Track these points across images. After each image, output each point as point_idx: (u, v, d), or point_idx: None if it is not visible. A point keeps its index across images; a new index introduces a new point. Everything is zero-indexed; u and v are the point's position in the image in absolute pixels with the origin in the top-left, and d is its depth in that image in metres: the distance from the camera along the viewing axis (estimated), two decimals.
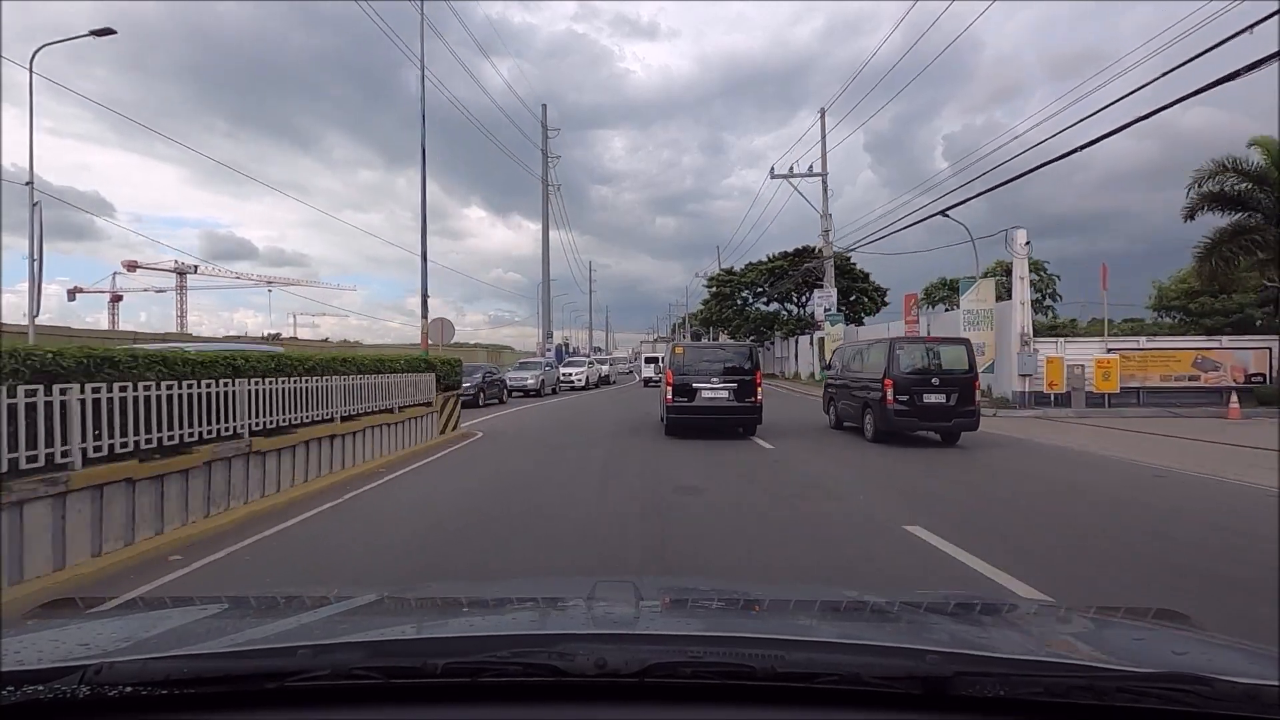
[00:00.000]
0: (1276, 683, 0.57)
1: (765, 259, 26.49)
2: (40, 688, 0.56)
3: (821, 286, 18.64)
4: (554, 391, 16.71)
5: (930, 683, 0.57)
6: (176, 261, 44.14)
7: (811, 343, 19.68)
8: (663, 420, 7.77)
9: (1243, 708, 0.56)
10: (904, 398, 6.75)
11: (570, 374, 19.12)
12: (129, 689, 0.56)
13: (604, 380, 22.20)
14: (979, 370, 7.29)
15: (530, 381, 15.66)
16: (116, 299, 43.72)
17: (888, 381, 6.86)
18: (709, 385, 7.73)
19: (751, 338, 27.58)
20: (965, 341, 7.32)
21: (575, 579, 2.19)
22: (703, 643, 0.66)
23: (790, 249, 25.68)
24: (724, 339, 38.93)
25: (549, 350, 23.42)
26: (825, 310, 18.52)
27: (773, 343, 25.48)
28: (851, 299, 23.82)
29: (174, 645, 0.69)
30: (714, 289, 28.36)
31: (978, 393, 6.91)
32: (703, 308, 31.49)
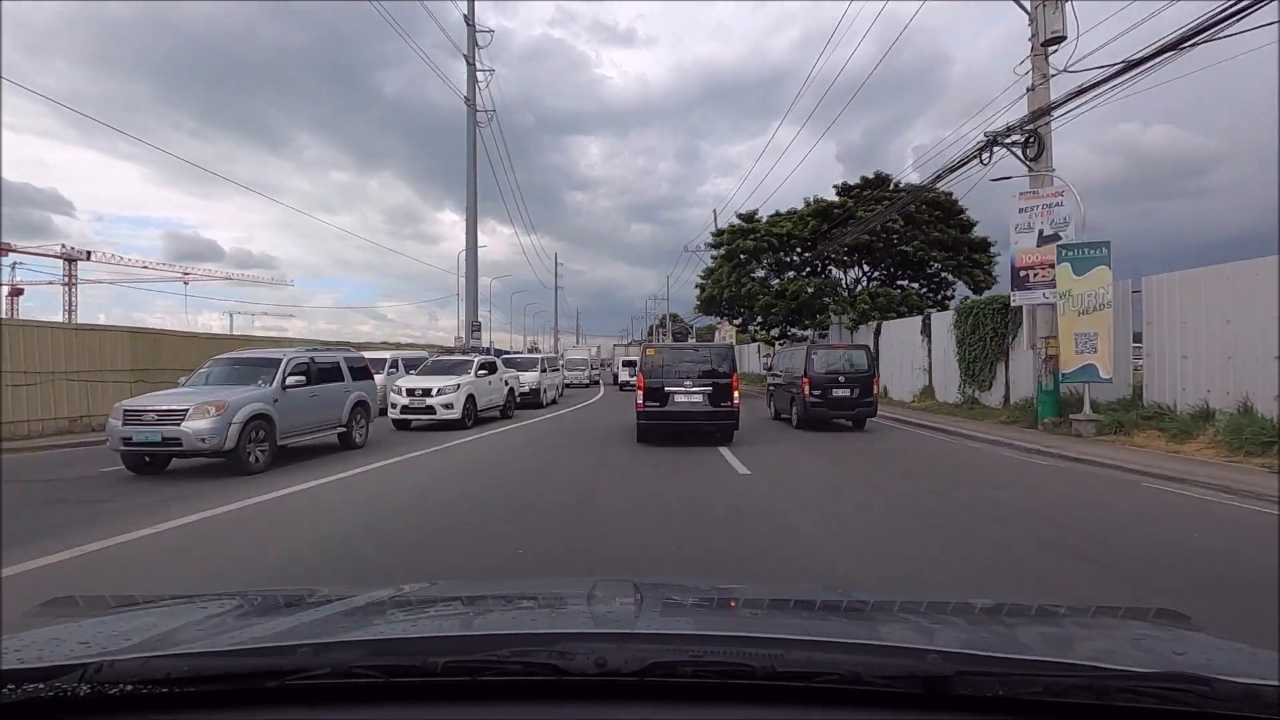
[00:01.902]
0: (1276, 683, 0.86)
1: (807, 202, 25.69)
2: (41, 686, 0.88)
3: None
4: (356, 439, 10.50)
5: (930, 682, 0.90)
6: (64, 245, 56.38)
7: (1013, 320, 13.57)
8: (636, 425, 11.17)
9: (1243, 708, 0.84)
10: (818, 392, 12.84)
11: (426, 393, 13.34)
12: (130, 687, 0.89)
13: (533, 399, 19.24)
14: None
15: (197, 432, 7.74)
16: (17, 292, 54.32)
17: (805, 380, 13.00)
18: (682, 389, 10.88)
19: (776, 331, 27.39)
20: (865, 347, 14.73)
21: (575, 578, 2.96)
22: (702, 642, 1.02)
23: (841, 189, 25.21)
24: (724, 336, 39.89)
25: (475, 347, 22.70)
26: (1052, 236, 11.32)
27: (823, 334, 24.90)
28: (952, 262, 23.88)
29: (174, 643, 1.04)
30: (725, 245, 26.75)
31: (875, 387, 13.46)
32: (703, 284, 29.91)
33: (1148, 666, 0.93)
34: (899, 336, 19.82)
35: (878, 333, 21.17)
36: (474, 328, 23.77)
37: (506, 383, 16.28)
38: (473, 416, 13.78)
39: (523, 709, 0.90)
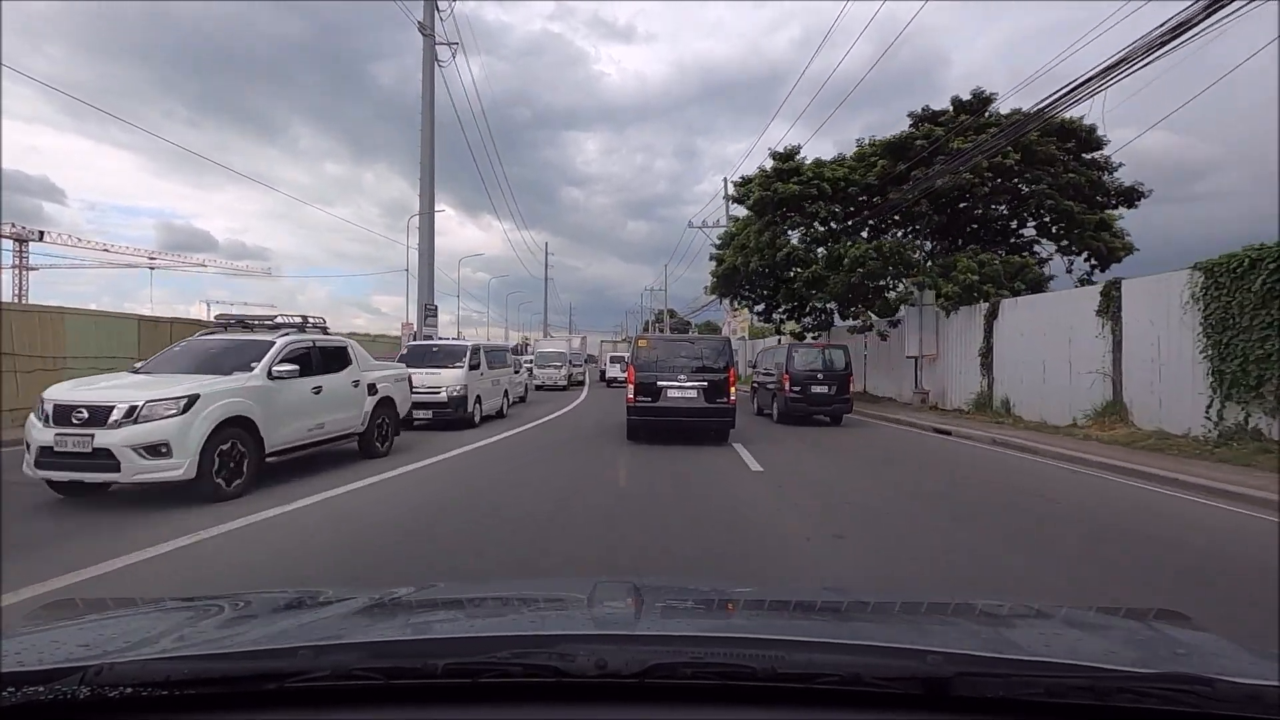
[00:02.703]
0: (1278, 683, 1.32)
1: (862, 144, 26.05)
2: (40, 689, 1.32)
3: None
4: None
5: (931, 683, 1.35)
6: (14, 225, 71.93)
7: None
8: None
9: (1244, 708, 1.23)
10: (798, 389, 19.20)
11: (99, 418, 8.26)
12: (129, 690, 1.33)
13: (456, 414, 17.43)
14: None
15: None
16: None
17: (786, 376, 19.45)
18: (676, 384, 14.06)
19: (810, 319, 28.27)
20: (844, 346, 21.48)
21: (575, 579, 3.82)
22: (703, 643, 1.51)
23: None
24: (733, 330, 42.50)
25: (431, 337, 23.66)
26: None
27: (894, 322, 24.67)
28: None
29: (174, 646, 1.51)
30: (755, 194, 26.51)
31: (851, 385, 19.93)
32: (721, 255, 30.74)
33: (1149, 667, 1.37)
34: (1036, 320, 18.85)
35: (991, 316, 20.65)
36: (428, 312, 24.86)
37: (374, 390, 12.62)
38: (247, 470, 9.17)
39: (523, 710, 1.34)
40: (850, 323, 27.11)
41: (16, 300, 58.20)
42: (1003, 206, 24.17)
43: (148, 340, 19.51)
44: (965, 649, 1.48)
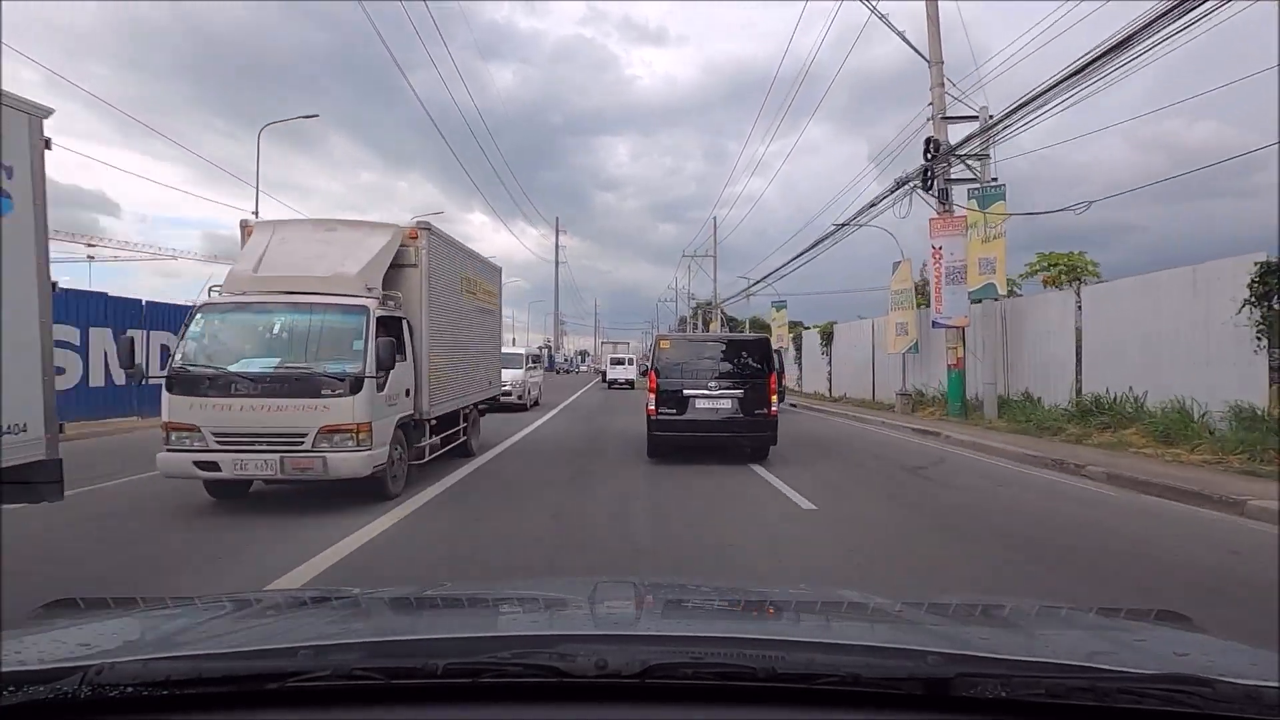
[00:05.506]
0: (1277, 684, 1.31)
1: None
2: (41, 688, 1.31)
3: None
4: None
5: (931, 684, 1.35)
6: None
7: None
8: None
9: (1244, 709, 1.24)
10: None
11: None
12: (130, 689, 1.32)
13: None
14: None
15: None
16: None
17: None
18: (705, 392, 12.12)
19: None
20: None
21: (576, 580, 3.87)
22: (703, 643, 1.49)
23: None
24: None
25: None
26: None
27: None
28: None
29: (175, 645, 1.50)
30: None
31: (783, 380, 16.00)
32: None
33: (1149, 668, 1.38)
34: None
35: None
36: None
37: None
38: None
39: (523, 710, 1.34)
40: None
41: None
42: None
43: None
44: (965, 649, 1.49)
